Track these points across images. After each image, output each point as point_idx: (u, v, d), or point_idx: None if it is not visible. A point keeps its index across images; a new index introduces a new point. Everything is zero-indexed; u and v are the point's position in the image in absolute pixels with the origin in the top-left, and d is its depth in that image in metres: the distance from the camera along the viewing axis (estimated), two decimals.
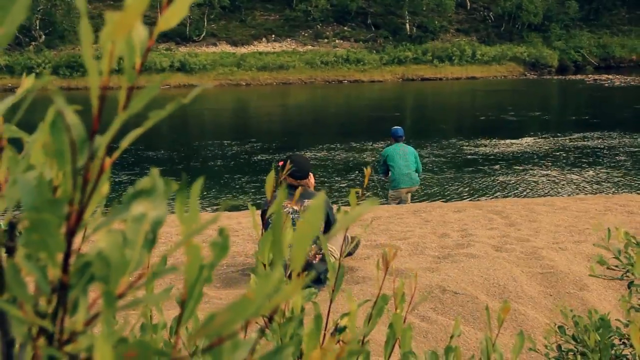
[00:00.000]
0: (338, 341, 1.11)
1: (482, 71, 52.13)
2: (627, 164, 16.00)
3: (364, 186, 1.46)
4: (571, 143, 19.32)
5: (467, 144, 19.61)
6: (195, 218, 0.45)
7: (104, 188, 0.55)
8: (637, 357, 2.02)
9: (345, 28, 57.29)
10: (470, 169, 15.86)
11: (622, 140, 19.43)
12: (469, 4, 61.59)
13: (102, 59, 0.40)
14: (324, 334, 1.13)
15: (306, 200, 5.36)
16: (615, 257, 2.25)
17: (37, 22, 49.10)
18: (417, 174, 10.17)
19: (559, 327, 2.22)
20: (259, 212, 5.62)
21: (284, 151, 18.58)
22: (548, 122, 25.28)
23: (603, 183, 14.06)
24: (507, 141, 19.86)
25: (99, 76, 0.39)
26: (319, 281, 5.28)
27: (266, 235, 1.16)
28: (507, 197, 12.68)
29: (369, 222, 1.43)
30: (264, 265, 1.15)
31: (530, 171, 15.43)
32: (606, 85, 41.47)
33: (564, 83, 45.25)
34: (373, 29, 57.19)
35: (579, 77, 49.04)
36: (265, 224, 5.26)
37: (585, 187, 13.69)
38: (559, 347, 2.23)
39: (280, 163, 6.25)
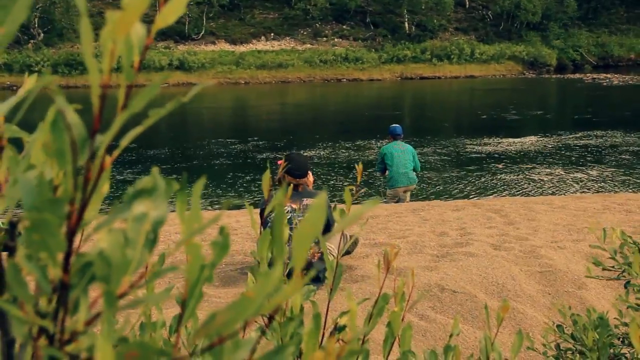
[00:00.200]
0: (337, 340, 1.11)
1: (481, 70, 52.14)
2: (626, 163, 16.01)
3: (357, 183, 1.46)
4: (570, 142, 19.33)
5: (466, 142, 19.61)
6: (197, 217, 0.45)
7: (104, 187, 0.55)
8: (635, 356, 2.02)
9: (344, 27, 57.27)
10: (469, 167, 15.86)
11: (621, 139, 19.44)
12: (467, 3, 61.60)
13: (102, 57, 0.40)
14: (323, 333, 1.13)
15: (305, 199, 5.36)
16: (612, 257, 2.25)
17: (36, 20, 49.06)
18: (414, 173, 10.15)
19: (558, 326, 2.22)
20: (257, 210, 5.62)
21: (282, 150, 18.58)
22: (547, 121, 25.29)
23: (602, 182, 14.07)
24: (506, 140, 19.87)
25: (99, 75, 0.39)
26: (317, 280, 5.28)
27: (265, 234, 1.16)
28: (506, 195, 12.69)
29: (366, 220, 1.44)
30: (263, 264, 1.15)
31: (529, 170, 15.44)
32: (604, 84, 41.48)
33: (563, 82, 45.26)
34: (372, 27, 57.18)
35: (577, 76, 49.06)
36: (264, 223, 5.26)
37: (584, 186, 13.70)
38: (558, 346, 2.23)
39: (279, 162, 6.26)
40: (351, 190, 1.22)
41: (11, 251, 0.44)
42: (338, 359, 0.40)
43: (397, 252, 1.22)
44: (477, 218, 8.05)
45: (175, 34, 52.54)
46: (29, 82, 0.74)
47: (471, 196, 12.80)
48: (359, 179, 1.45)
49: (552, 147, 18.59)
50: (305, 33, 56.12)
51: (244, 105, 35.31)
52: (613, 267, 2.28)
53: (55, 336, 0.41)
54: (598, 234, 2.36)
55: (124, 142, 0.42)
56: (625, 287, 2.22)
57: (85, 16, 0.38)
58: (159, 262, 1.13)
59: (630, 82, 41.99)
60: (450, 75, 51.25)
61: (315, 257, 5.16)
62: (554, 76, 50.18)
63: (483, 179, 14.53)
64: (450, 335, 1.32)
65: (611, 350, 2.08)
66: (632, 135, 20.10)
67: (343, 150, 18.45)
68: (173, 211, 0.49)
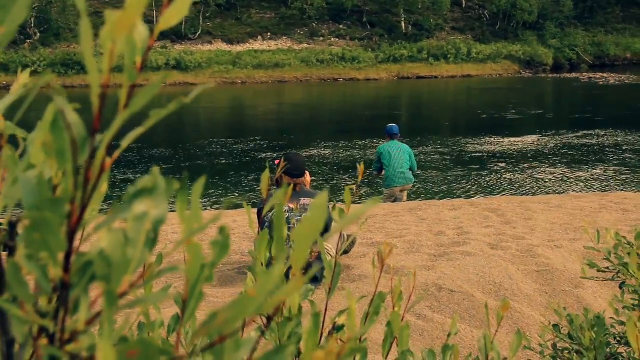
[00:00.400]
0: (336, 340, 1.11)
1: (478, 69, 52.17)
2: (623, 162, 16.04)
3: (358, 182, 1.46)
4: (568, 141, 19.35)
5: (462, 142, 19.62)
6: (198, 217, 0.45)
7: (103, 187, 0.55)
8: (632, 355, 2.03)
9: (341, 26, 57.27)
10: (466, 167, 15.88)
11: (618, 139, 19.48)
12: (464, 3, 61.64)
13: (102, 57, 0.40)
14: (321, 333, 1.13)
15: (302, 199, 5.36)
16: (606, 259, 2.25)
17: (33, 19, 48.97)
18: (411, 172, 10.16)
19: (554, 325, 2.22)
20: (255, 210, 5.62)
21: (279, 149, 18.58)
22: (544, 120, 25.31)
23: (599, 181, 14.09)
24: (503, 139, 19.89)
25: (99, 74, 0.39)
26: (315, 279, 5.28)
27: (263, 234, 1.16)
28: (502, 195, 12.70)
29: (364, 220, 1.43)
30: (262, 264, 1.15)
31: (526, 169, 15.46)
32: (601, 83, 41.54)
33: (559, 81, 45.31)
34: (369, 27, 57.18)
35: (573, 75, 49.12)
36: (262, 223, 5.26)
37: (581, 185, 13.72)
38: (554, 345, 2.23)
39: (277, 162, 6.25)
40: (351, 190, 1.22)
41: (11, 251, 0.44)
42: (338, 357, 0.40)
43: (391, 250, 1.22)
44: (474, 217, 8.06)
45: (172, 33, 52.48)
46: (23, 78, 0.74)
47: (468, 195, 12.81)
48: (359, 178, 1.45)
49: (549, 146, 18.61)
50: (302, 33, 56.11)
51: (241, 105, 35.29)
52: (608, 268, 2.28)
53: (56, 336, 0.41)
54: (593, 235, 2.36)
55: (125, 142, 0.42)
56: (621, 287, 2.22)
57: (85, 16, 0.38)
58: (157, 262, 1.13)
59: (627, 81, 42.05)
60: (447, 75, 51.28)
61: (313, 257, 5.16)
62: (550, 75, 50.23)
63: (480, 179, 14.54)
64: (449, 335, 1.32)
65: (608, 350, 2.08)
66: (630, 134, 20.13)
67: (340, 150, 18.45)
68: (171, 211, 0.49)
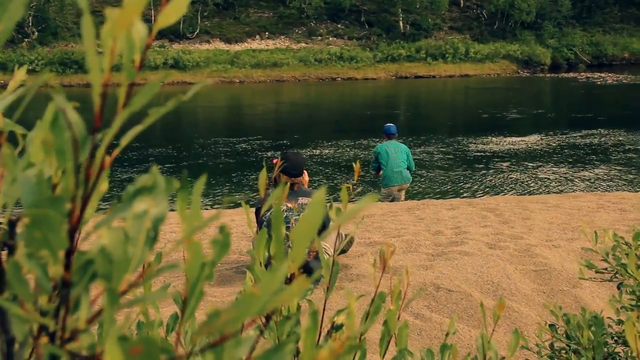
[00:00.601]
0: (335, 339, 1.11)
1: (475, 69, 52.17)
2: (621, 162, 16.05)
3: (355, 181, 1.46)
4: (565, 141, 19.37)
5: (460, 141, 19.63)
6: (198, 216, 0.45)
7: (103, 186, 0.55)
8: (629, 355, 2.03)
9: (339, 26, 57.26)
10: (464, 166, 15.89)
11: (616, 138, 19.49)
12: (462, 2, 61.64)
13: (103, 56, 0.40)
14: (320, 332, 1.13)
15: (301, 198, 5.36)
16: (604, 260, 2.26)
17: (30, 18, 48.90)
18: (408, 172, 10.19)
19: (550, 325, 2.22)
20: (253, 209, 5.61)
21: (278, 149, 18.57)
22: (541, 120, 25.33)
23: (596, 181, 14.10)
24: (501, 139, 19.90)
25: (100, 73, 0.39)
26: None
27: (261, 233, 1.16)
28: (500, 194, 12.71)
29: (361, 219, 1.43)
30: (260, 263, 1.15)
31: (524, 169, 15.47)
32: (599, 83, 41.57)
33: (557, 81, 45.34)
34: (366, 26, 57.17)
35: (571, 75, 49.13)
36: (260, 222, 5.26)
37: (579, 185, 13.73)
38: (552, 345, 2.23)
39: (275, 161, 6.26)
40: (348, 188, 1.22)
41: (11, 249, 0.44)
42: (339, 356, 0.40)
43: (393, 250, 1.22)
44: (472, 217, 8.07)
45: (170, 32, 52.44)
46: (20, 74, 0.74)
47: (466, 195, 12.82)
48: (356, 177, 1.45)
49: (547, 146, 18.62)
50: (300, 32, 56.09)
51: (239, 104, 35.28)
52: (606, 269, 2.28)
53: (57, 334, 0.41)
54: (591, 235, 2.37)
55: (125, 140, 0.42)
56: (618, 288, 2.23)
57: (87, 13, 0.38)
58: (156, 260, 1.13)
59: (625, 81, 42.08)
60: (444, 74, 51.27)
61: (311, 256, 5.16)
62: (548, 75, 50.25)
63: (478, 178, 14.55)
64: (447, 334, 1.33)
65: (605, 349, 2.08)
66: (628, 134, 20.15)
67: (338, 149, 18.45)
68: (169, 210, 0.49)
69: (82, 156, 0.40)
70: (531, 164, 15.97)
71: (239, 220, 7.85)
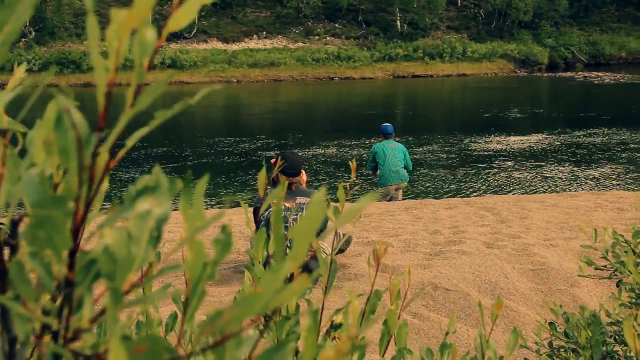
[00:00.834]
0: (333, 338, 1.12)
1: (473, 68, 52.20)
2: (617, 161, 16.07)
3: (352, 180, 1.46)
4: (563, 140, 19.39)
5: (458, 141, 19.65)
6: (201, 215, 0.45)
7: (104, 185, 0.55)
8: (627, 354, 2.04)
9: (336, 25, 57.26)
10: (462, 165, 15.90)
11: (613, 138, 19.52)
12: (459, 2, 61.67)
13: (108, 56, 0.40)
14: (319, 331, 1.13)
15: (299, 198, 5.36)
16: (604, 257, 2.26)
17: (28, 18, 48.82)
18: (405, 171, 10.24)
19: (550, 323, 2.23)
20: (251, 209, 5.61)
21: (276, 148, 18.57)
22: (539, 119, 25.35)
23: (593, 180, 14.12)
24: (499, 138, 19.91)
25: (105, 73, 0.40)
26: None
27: (260, 233, 1.16)
28: (498, 193, 12.72)
29: (359, 218, 1.43)
30: (259, 262, 1.16)
31: (521, 168, 15.48)
32: (596, 82, 41.61)
33: (554, 80, 45.37)
34: (364, 26, 57.18)
35: (569, 74, 49.17)
36: (258, 222, 5.26)
37: (576, 184, 13.75)
38: (550, 343, 2.24)
39: (273, 160, 6.26)
40: (345, 187, 1.23)
41: (13, 249, 0.44)
42: (340, 354, 0.40)
43: (386, 248, 1.22)
44: (469, 216, 8.07)
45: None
46: (19, 72, 0.74)
47: (463, 194, 12.83)
48: (352, 176, 1.45)
49: (544, 145, 18.64)
50: (297, 31, 56.08)
51: (237, 104, 35.26)
52: (605, 266, 2.29)
53: (60, 333, 0.41)
54: (589, 233, 2.37)
55: (131, 141, 0.42)
56: (618, 285, 2.23)
57: (92, 13, 0.38)
58: (156, 260, 1.13)
59: (622, 80, 42.13)
60: (442, 74, 51.29)
61: (309, 256, 5.16)
62: (545, 74, 50.29)
63: (476, 177, 14.57)
64: (446, 333, 1.33)
65: (603, 348, 2.09)
66: (626, 133, 20.18)
67: (336, 149, 18.45)
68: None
69: (86, 156, 0.40)
70: (529, 163, 15.98)
71: (237, 220, 7.85)
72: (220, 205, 12.04)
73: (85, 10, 0.39)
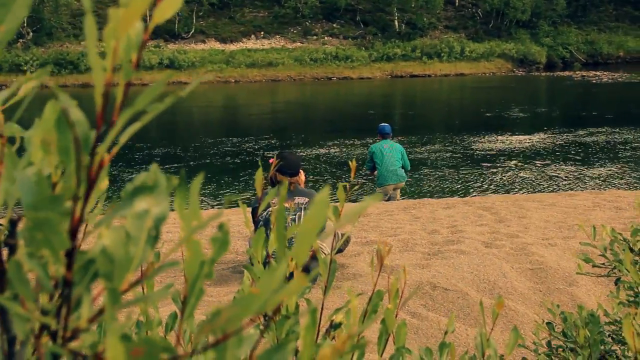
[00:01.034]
0: (333, 337, 1.12)
1: (471, 68, 52.24)
2: (616, 160, 16.08)
3: (352, 179, 1.46)
4: (561, 139, 19.40)
5: (456, 140, 19.65)
6: (197, 215, 0.45)
7: (103, 184, 0.55)
8: (625, 353, 2.04)
9: (334, 25, 57.28)
10: (460, 165, 15.90)
11: (611, 137, 19.53)
12: (457, 1, 61.73)
13: (105, 55, 0.40)
14: (318, 330, 1.13)
15: (297, 198, 5.36)
16: (602, 255, 2.26)
17: (25, 19, 48.76)
18: (403, 171, 10.26)
19: (547, 323, 2.23)
20: (249, 209, 5.61)
21: (274, 148, 18.57)
22: (537, 118, 25.36)
23: (592, 179, 14.12)
24: (497, 138, 19.91)
25: (103, 73, 0.39)
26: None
27: (258, 233, 1.16)
28: (496, 193, 12.72)
29: (357, 218, 1.43)
30: (258, 262, 1.15)
31: (519, 167, 15.49)
32: (594, 81, 41.65)
33: (552, 80, 45.40)
34: (362, 26, 57.20)
35: (566, 73, 49.21)
36: (257, 222, 5.25)
37: (574, 183, 13.75)
38: (549, 343, 2.24)
39: (271, 160, 6.26)
40: (344, 187, 1.23)
41: (12, 249, 0.44)
42: (340, 353, 0.40)
43: (389, 249, 1.22)
44: (468, 216, 8.08)
45: (165, 32, 52.41)
46: (22, 81, 0.74)
47: (462, 194, 12.83)
48: (352, 175, 1.45)
49: (542, 144, 18.64)
50: (295, 31, 56.09)
51: (235, 104, 35.26)
52: (603, 264, 2.29)
53: (58, 333, 0.41)
54: (588, 231, 2.37)
55: (124, 137, 0.42)
56: (616, 284, 2.23)
57: (90, 14, 0.38)
58: (155, 260, 1.13)
59: (620, 79, 42.16)
60: (440, 74, 51.33)
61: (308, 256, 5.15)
62: (543, 74, 50.32)
63: (474, 177, 14.57)
64: (446, 333, 1.33)
65: (602, 347, 2.09)
66: (624, 132, 20.19)
67: (334, 149, 18.45)
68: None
69: (85, 155, 0.40)
70: (528, 163, 15.99)
71: (236, 220, 7.84)
72: (218, 205, 12.04)
73: (83, 11, 0.39)
